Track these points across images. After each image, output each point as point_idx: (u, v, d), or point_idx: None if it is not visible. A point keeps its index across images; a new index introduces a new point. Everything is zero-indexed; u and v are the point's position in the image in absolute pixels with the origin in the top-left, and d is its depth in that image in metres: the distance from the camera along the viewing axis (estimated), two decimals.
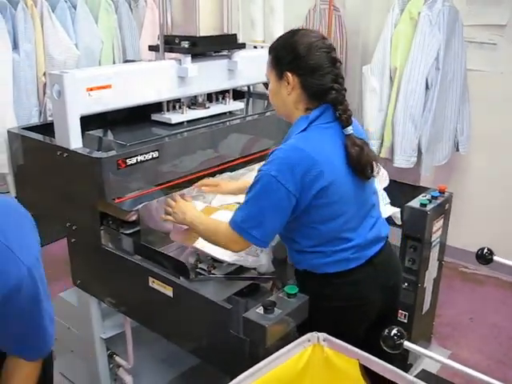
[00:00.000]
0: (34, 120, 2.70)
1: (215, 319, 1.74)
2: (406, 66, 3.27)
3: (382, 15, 3.49)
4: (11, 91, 2.55)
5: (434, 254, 2.64)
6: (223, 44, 2.55)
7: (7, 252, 1.25)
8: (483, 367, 2.92)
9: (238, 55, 2.58)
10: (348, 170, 1.71)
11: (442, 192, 2.61)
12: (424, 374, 2.38)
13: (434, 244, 2.60)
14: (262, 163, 1.74)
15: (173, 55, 2.43)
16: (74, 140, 2.09)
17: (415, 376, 1.34)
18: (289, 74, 1.71)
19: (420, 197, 2.55)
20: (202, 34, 2.41)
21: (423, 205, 2.47)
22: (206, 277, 1.96)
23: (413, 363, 2.75)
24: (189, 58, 2.36)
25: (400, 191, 2.57)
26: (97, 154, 2.05)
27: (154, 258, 2.01)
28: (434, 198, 2.55)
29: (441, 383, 2.23)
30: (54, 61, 2.71)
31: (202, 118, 2.57)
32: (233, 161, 2.54)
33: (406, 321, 2.63)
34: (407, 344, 1.41)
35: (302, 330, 1.63)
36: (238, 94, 2.94)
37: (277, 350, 1.43)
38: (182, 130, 2.41)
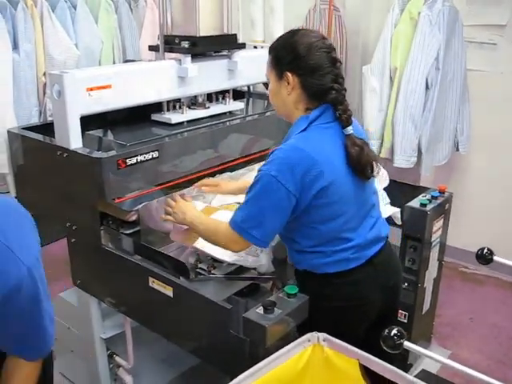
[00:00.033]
0: (34, 120, 2.70)
1: (215, 319, 1.74)
2: (406, 66, 3.27)
3: (381, 15, 3.49)
4: (11, 91, 2.55)
5: (434, 254, 2.64)
6: (223, 44, 2.55)
7: (7, 252, 1.25)
8: (483, 367, 2.92)
9: (238, 55, 2.58)
10: (348, 170, 1.71)
11: (442, 192, 2.61)
12: (424, 374, 2.38)
13: (434, 244, 2.60)
14: (262, 163, 1.74)
15: (173, 55, 2.43)
16: (74, 140, 2.09)
17: (415, 376, 1.34)
18: (289, 74, 1.71)
19: (420, 197, 2.55)
20: (202, 34, 2.41)
21: (423, 205, 2.47)
22: (205, 277, 1.96)
23: (413, 363, 2.75)
24: (189, 58, 2.36)
25: (400, 191, 2.58)
26: (97, 154, 2.05)
27: (154, 258, 2.01)
28: (434, 197, 2.55)
29: (441, 383, 2.23)
30: (54, 61, 2.71)
31: (202, 118, 2.57)
32: (233, 161, 2.54)
33: (405, 321, 2.63)
34: (407, 344, 1.41)
35: (302, 329, 1.63)
36: (237, 94, 2.94)
37: (277, 350, 1.43)
38: (182, 130, 2.41)
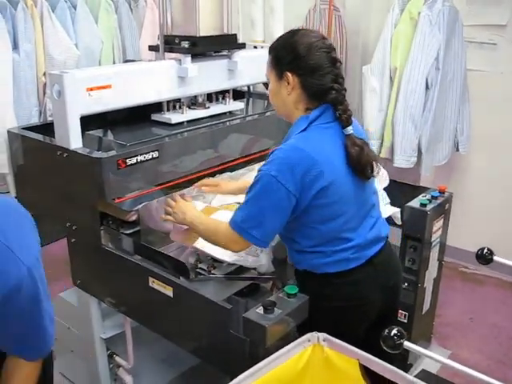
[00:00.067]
0: (34, 120, 2.70)
1: (215, 319, 1.74)
2: (406, 66, 3.27)
3: (381, 15, 3.49)
4: (11, 91, 2.55)
5: (434, 254, 2.64)
6: (223, 44, 2.55)
7: (7, 252, 1.25)
8: (483, 367, 2.92)
9: (238, 55, 2.58)
10: (348, 170, 1.71)
11: (442, 192, 2.61)
12: (424, 374, 2.38)
13: (434, 244, 2.60)
14: (262, 163, 1.74)
15: (173, 55, 2.43)
16: (74, 140, 2.09)
17: (415, 376, 1.34)
18: (289, 74, 1.71)
19: (420, 197, 2.55)
20: (202, 34, 2.41)
21: (423, 205, 2.47)
22: (206, 277, 1.96)
23: (413, 363, 2.75)
24: (189, 58, 2.36)
25: (400, 191, 2.58)
26: (97, 154, 2.05)
27: (154, 258, 2.01)
28: (434, 198, 2.55)
29: (441, 383, 2.23)
30: (54, 61, 2.71)
31: (202, 118, 2.57)
32: (233, 161, 2.54)
33: (405, 321, 2.63)
34: (407, 344, 1.41)
35: (301, 329, 1.63)
36: (237, 94, 2.94)
37: (277, 350, 1.43)
38: (181, 130, 2.41)
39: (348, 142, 1.70)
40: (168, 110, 2.51)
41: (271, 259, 1.98)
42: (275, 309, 1.61)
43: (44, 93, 2.74)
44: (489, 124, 3.68)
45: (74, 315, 2.44)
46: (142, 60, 3.16)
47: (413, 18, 3.27)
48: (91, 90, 2.08)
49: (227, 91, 2.71)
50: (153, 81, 2.32)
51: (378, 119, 3.44)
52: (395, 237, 2.37)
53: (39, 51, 2.70)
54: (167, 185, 2.27)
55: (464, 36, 3.42)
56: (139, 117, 2.51)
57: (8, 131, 2.41)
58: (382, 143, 3.47)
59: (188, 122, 2.52)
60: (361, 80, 3.49)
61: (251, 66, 2.63)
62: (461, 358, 2.98)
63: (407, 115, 3.31)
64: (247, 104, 3.05)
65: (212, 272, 1.97)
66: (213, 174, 2.42)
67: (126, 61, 3.17)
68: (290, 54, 1.71)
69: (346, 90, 1.74)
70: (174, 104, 2.53)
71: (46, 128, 2.35)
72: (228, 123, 2.58)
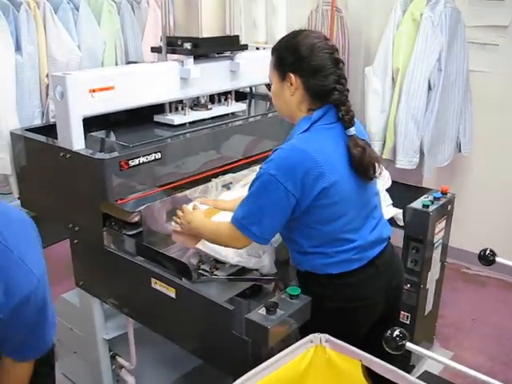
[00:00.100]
0: (37, 121, 2.70)
1: (218, 320, 1.75)
2: (409, 67, 3.27)
3: (384, 16, 3.49)
4: (14, 93, 2.55)
5: (436, 255, 2.64)
6: (225, 45, 2.55)
7: (21, 264, 1.28)
8: (486, 368, 2.91)
9: (241, 56, 2.59)
10: (350, 171, 1.71)
11: (444, 193, 2.61)
12: (426, 376, 2.38)
13: (436, 245, 2.60)
14: None
15: (175, 56, 2.44)
16: (76, 141, 2.10)
17: (417, 377, 1.34)
18: (291, 75, 1.72)
19: (422, 198, 2.55)
20: (205, 35, 2.41)
21: (425, 206, 2.47)
22: (208, 278, 1.96)
23: (415, 364, 2.75)
24: (191, 60, 2.37)
25: (402, 192, 2.57)
26: (99, 156, 2.06)
27: (156, 259, 2.01)
28: (437, 199, 2.55)
29: None
30: (57, 62, 2.72)
31: (205, 120, 2.58)
32: (235, 162, 2.54)
33: (408, 322, 2.63)
34: (409, 345, 1.41)
35: (304, 331, 1.63)
36: (240, 96, 2.94)
37: (279, 351, 1.43)
38: (184, 132, 2.42)
39: (350, 142, 1.70)
40: (170, 111, 2.51)
41: (273, 260, 1.99)
42: (277, 310, 1.62)
43: (47, 94, 2.74)
44: (491, 125, 3.68)
45: (76, 316, 2.44)
46: (144, 61, 3.16)
47: (415, 19, 3.27)
48: (94, 91, 2.09)
49: (229, 92, 2.72)
50: (155, 82, 2.32)
51: (381, 120, 3.44)
52: (397, 238, 2.36)
53: (42, 53, 2.70)
54: (170, 186, 2.27)
55: (466, 37, 3.41)
56: (142, 118, 2.51)
57: (11, 132, 2.42)
58: (384, 144, 3.46)
59: (190, 123, 2.52)
60: (363, 81, 3.49)
61: (253, 68, 2.63)
62: (463, 359, 2.98)
63: (409, 116, 3.31)
64: (249, 105, 3.05)
65: (214, 273, 1.97)
66: (215, 175, 2.42)
67: (129, 62, 3.18)
68: (292, 55, 1.72)
69: (348, 90, 1.74)
70: (177, 105, 2.53)
71: (49, 129, 2.36)
72: (230, 124, 2.58)
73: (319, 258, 1.75)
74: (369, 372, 1.41)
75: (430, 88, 3.31)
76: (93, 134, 2.40)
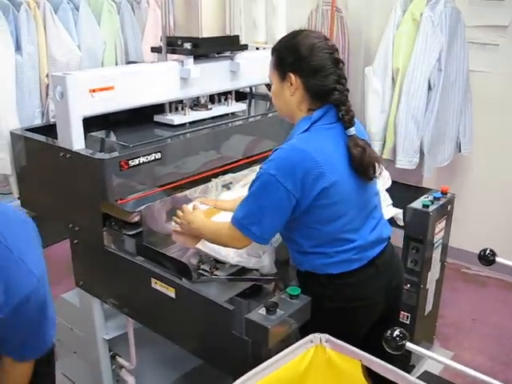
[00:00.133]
0: (37, 121, 2.70)
1: (217, 320, 1.75)
2: (409, 67, 3.27)
3: (384, 16, 3.49)
4: (14, 93, 2.55)
5: (436, 255, 2.64)
6: (225, 45, 2.55)
7: (21, 264, 1.28)
8: (486, 368, 2.91)
9: (241, 56, 2.59)
10: (350, 171, 1.71)
11: (444, 193, 2.61)
12: (426, 376, 2.38)
13: (436, 245, 2.60)
14: None
15: (175, 56, 2.44)
16: (76, 141, 2.10)
17: (418, 377, 1.34)
18: (291, 75, 1.72)
19: (422, 198, 2.55)
20: (205, 35, 2.41)
21: (425, 206, 2.47)
22: (208, 278, 1.96)
23: (415, 364, 2.75)
24: (191, 60, 2.37)
25: (402, 192, 2.57)
26: (99, 156, 2.06)
27: (156, 259, 2.01)
28: (437, 199, 2.55)
29: None
30: (57, 62, 2.71)
31: (205, 120, 2.58)
32: (235, 162, 2.54)
33: (408, 322, 2.63)
34: (409, 345, 1.41)
35: (304, 331, 1.63)
36: (240, 96, 2.94)
37: (279, 351, 1.43)
38: (184, 132, 2.42)
39: (350, 142, 1.70)
40: (170, 111, 2.51)
41: (273, 260, 1.98)
42: (277, 310, 1.62)
43: (47, 94, 2.74)
44: (491, 125, 3.68)
45: (76, 316, 2.44)
46: (144, 61, 3.16)
47: (415, 19, 3.27)
48: (94, 91, 2.09)
49: (229, 92, 2.72)
50: (155, 82, 2.32)
51: (381, 120, 3.44)
52: (397, 238, 2.36)
53: (42, 53, 2.70)
54: (170, 186, 2.27)
55: (466, 37, 3.42)
56: (142, 118, 2.51)
57: (11, 132, 2.42)
58: (384, 144, 3.46)
59: (190, 123, 2.52)
60: (363, 81, 3.49)
61: (253, 68, 2.63)
62: (463, 359, 2.98)
63: (409, 116, 3.31)
64: (249, 105, 3.05)
65: (214, 273, 1.97)
66: (215, 175, 2.42)
67: (129, 62, 3.18)
68: (292, 55, 1.72)
69: (348, 90, 1.74)
70: (177, 105, 2.53)
71: (49, 129, 2.36)
72: (230, 124, 2.58)
73: (319, 258, 1.75)
74: (369, 372, 1.41)
75: (430, 88, 3.31)
76: (93, 134, 2.40)
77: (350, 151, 1.70)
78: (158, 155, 2.17)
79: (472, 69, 3.51)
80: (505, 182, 3.75)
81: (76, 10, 2.91)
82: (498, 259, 1.84)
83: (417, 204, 2.50)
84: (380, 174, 1.78)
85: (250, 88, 3.10)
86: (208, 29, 2.42)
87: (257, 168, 2.42)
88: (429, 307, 2.75)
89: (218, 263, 1.98)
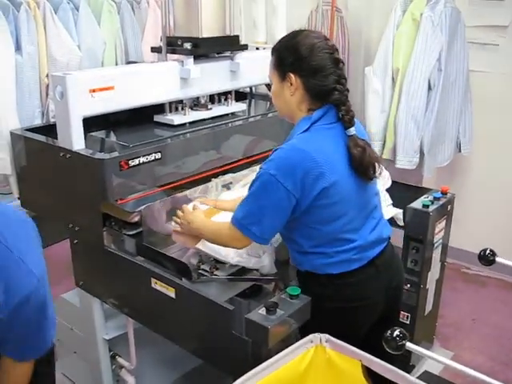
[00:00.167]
0: (37, 121, 2.70)
1: (217, 320, 1.75)
2: (409, 67, 3.27)
3: (384, 16, 3.49)
4: (14, 93, 2.55)
5: (436, 255, 2.64)
6: (225, 45, 2.55)
7: (21, 264, 1.28)
8: (486, 368, 2.91)
9: (241, 56, 2.59)
10: (350, 171, 1.71)
11: (444, 193, 2.61)
12: (426, 376, 2.38)
13: (436, 245, 2.60)
14: None
15: (175, 56, 2.44)
16: (76, 141, 2.10)
17: (418, 377, 1.34)
18: (291, 75, 1.72)
19: (422, 198, 2.55)
20: (205, 35, 2.41)
21: (425, 206, 2.47)
22: (208, 278, 1.96)
23: (415, 364, 2.75)
24: (191, 60, 2.37)
25: (402, 192, 2.57)
26: (99, 156, 2.06)
27: (156, 259, 2.01)
28: (437, 199, 2.55)
29: None
30: (57, 62, 2.71)
31: (205, 120, 2.58)
32: (235, 162, 2.54)
33: (408, 322, 2.63)
34: (409, 345, 1.41)
35: (304, 331, 1.63)
36: (240, 96, 2.94)
37: (279, 351, 1.43)
38: (184, 132, 2.42)
39: (350, 142, 1.70)
40: (170, 111, 2.51)
41: (273, 260, 1.98)
42: (277, 310, 1.62)
43: (47, 94, 2.74)
44: (491, 125, 3.68)
45: (76, 316, 2.44)
46: (144, 61, 3.16)
47: (415, 19, 3.27)
48: (94, 91, 2.09)
49: (229, 92, 2.72)
50: (155, 82, 2.32)
51: (381, 120, 3.44)
52: (397, 238, 2.36)
53: (42, 53, 2.70)
54: (170, 186, 2.27)
55: (466, 37, 3.41)
56: (142, 118, 2.51)
57: (11, 132, 2.42)
58: (384, 144, 3.46)
59: (190, 123, 2.52)
60: (363, 81, 3.49)
61: (253, 68, 2.63)
62: (463, 359, 2.98)
63: (409, 116, 3.31)
64: (249, 105, 3.05)
65: (214, 273, 1.97)
66: (215, 175, 2.42)
67: (129, 62, 3.18)
68: (292, 55, 1.72)
69: (348, 90, 1.74)
70: (177, 105, 2.53)
71: (49, 129, 2.36)
72: (230, 124, 2.58)
73: (319, 258, 1.75)
74: (369, 372, 1.41)
75: (430, 88, 3.31)
76: (93, 133, 2.40)
77: (350, 151, 1.70)
78: (158, 155, 2.17)
79: (472, 69, 3.51)
80: (505, 182, 3.75)
81: (76, 10, 2.92)
82: (497, 259, 1.84)
83: (417, 204, 2.50)
84: (380, 173, 1.78)
85: (250, 88, 3.10)
86: (208, 29, 2.42)
87: (257, 168, 2.43)
88: (429, 307, 2.75)
89: (218, 263, 1.98)
